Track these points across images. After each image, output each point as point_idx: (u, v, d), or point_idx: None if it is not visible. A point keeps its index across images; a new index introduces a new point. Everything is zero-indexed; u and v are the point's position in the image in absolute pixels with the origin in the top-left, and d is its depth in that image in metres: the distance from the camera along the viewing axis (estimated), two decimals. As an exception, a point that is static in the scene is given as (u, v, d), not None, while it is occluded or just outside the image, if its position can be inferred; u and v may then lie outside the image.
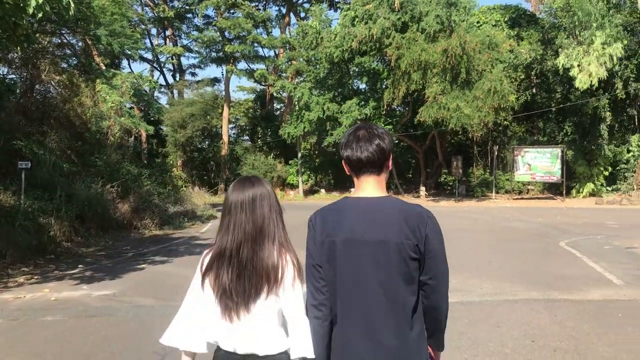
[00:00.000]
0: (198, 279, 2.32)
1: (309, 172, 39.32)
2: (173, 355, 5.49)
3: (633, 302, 7.41)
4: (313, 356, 2.17)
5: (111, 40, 18.18)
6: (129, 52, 25.21)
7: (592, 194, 29.33)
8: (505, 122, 30.61)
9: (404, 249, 2.11)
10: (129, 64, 40.19)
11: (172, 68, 44.81)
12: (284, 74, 40.07)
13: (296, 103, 35.26)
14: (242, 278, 2.22)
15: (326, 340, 2.19)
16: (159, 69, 44.19)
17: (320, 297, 2.19)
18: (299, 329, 2.20)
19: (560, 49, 27.20)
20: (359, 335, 2.15)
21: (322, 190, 36.52)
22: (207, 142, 43.18)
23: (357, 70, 33.72)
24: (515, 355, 5.35)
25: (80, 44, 19.83)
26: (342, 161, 2.29)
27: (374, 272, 2.13)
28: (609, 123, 29.36)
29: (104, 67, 22.08)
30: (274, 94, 42.74)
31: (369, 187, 2.23)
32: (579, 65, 25.72)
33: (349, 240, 2.16)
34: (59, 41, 18.63)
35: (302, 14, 41.64)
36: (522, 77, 31.12)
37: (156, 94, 43.07)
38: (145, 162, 31.15)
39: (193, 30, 42.34)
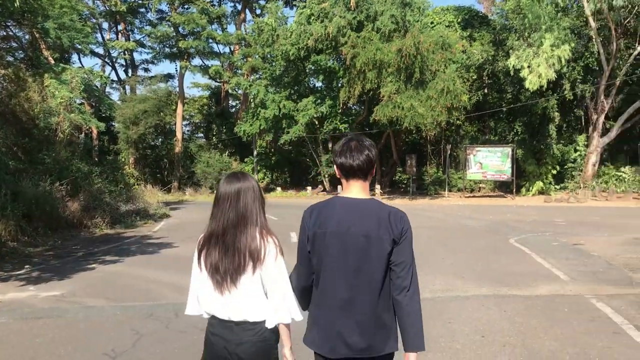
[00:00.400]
0: (195, 257, 2.77)
1: (265, 170, 39.19)
2: (124, 357, 5.39)
3: (578, 297, 7.65)
4: (289, 321, 2.64)
5: (60, 34, 17.66)
6: (79, 47, 24.56)
7: (541, 192, 30.15)
8: (458, 121, 31.16)
9: (382, 242, 2.56)
10: (79, 59, 39.23)
11: (124, 63, 43.89)
12: (239, 71, 39.76)
13: (252, 100, 35.03)
14: (227, 257, 2.64)
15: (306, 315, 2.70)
16: (110, 64, 43.20)
17: (302, 281, 2.72)
18: (278, 299, 2.62)
19: (511, 51, 27.83)
20: (338, 310, 2.59)
21: (278, 189, 36.41)
22: (160, 139, 42.43)
23: (313, 68, 33.75)
24: (465, 351, 5.45)
25: (27, 37, 19.17)
26: (335, 166, 2.76)
27: (356, 259, 2.57)
28: (557, 123, 30.23)
29: (52, 62, 21.44)
30: (229, 91, 42.38)
31: (356, 189, 2.69)
32: (529, 67, 26.37)
33: (335, 232, 2.60)
34: (4, 34, 17.95)
35: (258, 11, 41.44)
36: (474, 77, 31.75)
37: (108, 89, 42.14)
38: (96, 159, 30.44)
39: (146, 25, 41.56)
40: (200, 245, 2.76)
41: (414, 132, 32.23)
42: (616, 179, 29.27)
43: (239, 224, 2.66)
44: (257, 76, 37.76)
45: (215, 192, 2.81)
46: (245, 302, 2.63)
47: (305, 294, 2.74)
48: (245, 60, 38.25)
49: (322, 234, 2.61)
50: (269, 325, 2.62)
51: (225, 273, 2.64)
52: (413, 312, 2.60)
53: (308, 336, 2.71)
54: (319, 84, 35.38)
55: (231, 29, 42.24)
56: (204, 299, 2.73)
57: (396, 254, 2.59)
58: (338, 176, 2.78)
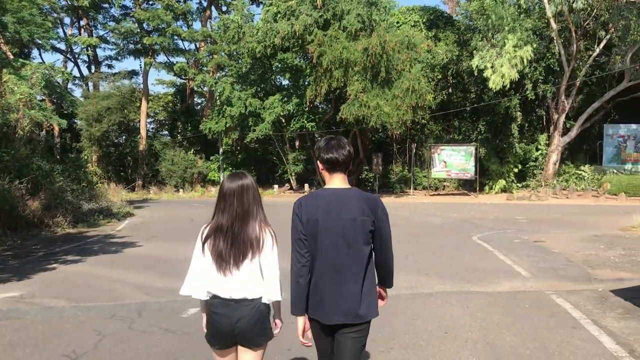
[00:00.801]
0: (199, 245, 3.22)
1: (230, 169, 38.88)
2: (85, 359, 5.29)
3: (539, 293, 7.81)
4: (280, 299, 3.17)
5: (19, 28, 17.17)
6: (40, 42, 23.90)
7: (504, 190, 30.70)
8: (423, 120, 31.49)
9: (365, 223, 3.10)
10: (39, 54, 38.67)
11: (87, 59, 43.03)
12: (205, 68, 39.39)
13: (217, 98, 34.76)
14: (234, 246, 3.15)
15: (306, 291, 3.14)
16: (73, 60, 42.32)
17: (303, 261, 3.11)
18: (272, 280, 3.13)
19: (475, 51, 28.24)
20: (330, 282, 3.10)
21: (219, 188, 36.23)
22: (124, 137, 41.77)
23: (279, 66, 33.67)
24: (429, 347, 5.51)
25: (-16, 31, 18.65)
26: (320, 162, 3.20)
27: (346, 239, 3.09)
28: (519, 122, 30.81)
29: (11, 57, 20.89)
30: (195, 88, 41.98)
31: (338, 181, 3.18)
32: (492, 67, 26.80)
33: (326, 218, 3.09)
34: (-40, 27, 17.44)
35: (224, 8, 41.11)
36: (439, 77, 32.13)
37: (70, 86, 41.30)
38: (58, 157, 29.81)
39: (109, 21, 40.85)
40: (205, 235, 3.21)
41: (380, 130, 32.46)
42: (576, 178, 29.98)
43: (244, 217, 3.17)
44: (223, 73, 37.50)
45: (219, 189, 3.29)
46: (245, 283, 3.13)
47: (304, 271, 3.12)
48: (210, 57, 37.93)
49: (314, 220, 3.09)
50: (265, 300, 3.15)
51: (229, 259, 3.13)
52: (389, 270, 3.35)
53: (310, 307, 3.17)
54: (285, 82, 35.32)
55: (197, 25, 41.85)
56: (208, 281, 3.17)
57: (377, 230, 3.15)
58: (321, 170, 3.25)
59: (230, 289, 3.13)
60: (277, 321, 3.31)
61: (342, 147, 3.15)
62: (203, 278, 3.18)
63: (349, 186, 3.20)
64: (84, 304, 7.48)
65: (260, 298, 3.15)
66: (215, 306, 3.16)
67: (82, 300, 7.72)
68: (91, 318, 6.73)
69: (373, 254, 3.23)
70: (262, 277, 3.15)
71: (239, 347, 3.23)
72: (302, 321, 3.19)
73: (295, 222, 3.15)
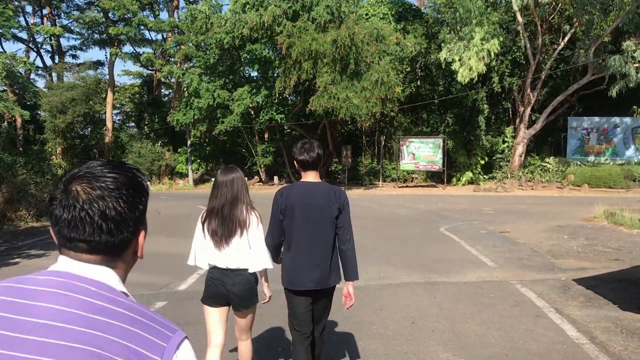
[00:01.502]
0: (199, 226, 3.90)
1: (199, 161, 38.55)
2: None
3: (504, 282, 7.94)
4: (271, 267, 3.88)
5: (-22, 16, 16.73)
6: (0, 31, 23.34)
7: (471, 182, 31.12)
8: (392, 113, 31.67)
9: (331, 210, 3.77)
10: (0, 44, 37.24)
11: (50, 49, 41.92)
12: (172, 59, 38.84)
13: (185, 89, 34.34)
14: (224, 225, 3.80)
15: (277, 254, 3.97)
16: (35, 50, 41.19)
17: (277, 240, 3.90)
18: (260, 252, 3.81)
19: (443, 44, 28.47)
20: (304, 260, 3.78)
21: (213, 180, 35.96)
22: (89, 129, 40.88)
23: (248, 57, 33.42)
24: (396, 337, 5.55)
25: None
26: (295, 162, 3.88)
27: (315, 223, 3.77)
28: (486, 115, 31.22)
29: (-30, 46, 20.28)
30: (162, 80, 41.38)
31: (311, 176, 3.85)
32: (460, 60, 27.07)
33: (300, 205, 3.76)
34: None
35: (192, -2, 40.53)
36: (408, 69, 32.31)
37: (33, 76, 40.18)
38: (21, 149, 29.13)
39: (73, 10, 39.81)
40: (204, 217, 3.88)
41: (349, 123, 32.49)
42: (541, 169, 30.55)
43: (233, 202, 3.82)
44: (191, 64, 37.02)
45: (214, 180, 3.99)
46: (236, 256, 3.80)
47: (277, 248, 3.93)
48: (178, 48, 37.37)
49: (291, 206, 3.77)
50: (251, 270, 3.82)
51: (222, 236, 3.79)
52: (352, 257, 3.87)
53: (284, 279, 3.87)
54: (254, 74, 35.09)
55: (164, 15, 41.16)
56: (207, 254, 3.86)
57: (341, 218, 3.81)
58: (297, 168, 3.92)
59: (225, 260, 3.82)
60: (265, 289, 4.09)
61: (312, 150, 3.81)
62: (204, 251, 3.88)
63: (319, 180, 3.92)
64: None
65: (249, 269, 3.84)
66: (213, 274, 3.88)
67: (45, 295, 7.56)
68: (54, 313, 6.59)
69: (337, 242, 3.87)
70: (251, 251, 3.82)
71: (234, 311, 3.93)
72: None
73: (274, 207, 3.87)
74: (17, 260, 10.32)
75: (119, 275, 1.16)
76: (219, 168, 4.08)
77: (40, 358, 0.97)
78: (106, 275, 1.13)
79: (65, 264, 1.15)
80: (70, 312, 1.02)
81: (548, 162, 30.84)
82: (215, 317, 3.93)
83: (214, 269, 3.88)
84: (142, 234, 1.22)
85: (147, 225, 1.25)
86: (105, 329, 1.01)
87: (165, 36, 39.97)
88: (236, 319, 3.97)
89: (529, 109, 30.21)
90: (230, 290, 3.81)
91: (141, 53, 38.72)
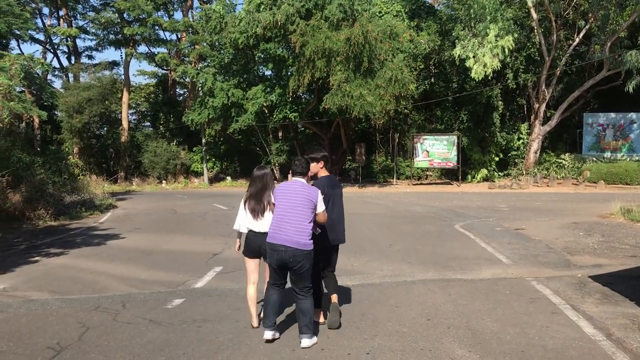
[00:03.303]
0: (242, 204, 5.93)
1: (214, 160, 38.77)
2: (69, 351, 5.30)
3: (519, 279, 7.94)
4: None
5: (-3, 19, 16.92)
6: (18, 32, 23.52)
7: (486, 179, 30.98)
8: (406, 110, 31.58)
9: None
10: (18, 45, 37.71)
11: (66, 50, 42.34)
12: (187, 59, 39.07)
13: (200, 89, 34.50)
14: (258, 204, 5.79)
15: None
16: (52, 51, 41.62)
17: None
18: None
19: (456, 41, 28.34)
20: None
21: (228, 178, 36.12)
22: (105, 129, 41.32)
23: (262, 56, 33.52)
24: (412, 334, 5.59)
25: (-40, 21, 18.30)
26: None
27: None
28: (501, 112, 31.03)
29: (-11, 48, 20.55)
30: (177, 79, 41.63)
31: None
32: (474, 57, 26.93)
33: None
34: (-63, 18, 17.11)
35: (205, -2, 40.72)
36: (422, 66, 32.21)
37: (50, 77, 40.64)
38: (39, 149, 29.41)
39: (89, 11, 40.27)
40: (246, 198, 5.89)
41: (363, 120, 32.54)
42: (556, 166, 30.33)
43: (263, 189, 5.81)
44: (205, 64, 37.20)
45: (252, 174, 5.96)
46: (266, 223, 5.65)
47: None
48: (192, 47, 37.60)
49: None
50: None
51: (256, 211, 5.77)
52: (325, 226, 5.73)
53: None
54: (268, 72, 35.16)
55: (178, 15, 41.48)
56: (247, 223, 5.83)
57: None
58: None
59: (259, 226, 5.75)
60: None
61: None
62: (244, 220, 5.87)
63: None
64: (68, 296, 7.46)
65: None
66: (250, 235, 5.83)
67: (66, 293, 7.70)
68: (75, 310, 6.72)
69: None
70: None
71: (263, 260, 5.76)
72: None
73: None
74: (36, 258, 10.49)
75: (305, 181, 5.57)
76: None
77: (294, 196, 5.37)
78: (302, 181, 5.53)
79: (296, 178, 5.53)
80: (298, 186, 5.45)
81: (563, 159, 30.61)
82: (252, 265, 5.93)
83: (250, 232, 5.82)
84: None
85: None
86: (304, 190, 5.40)
87: (179, 36, 40.23)
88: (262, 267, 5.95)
89: (543, 105, 30.02)
90: (261, 246, 5.63)
91: (156, 53, 38.97)
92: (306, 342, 5.27)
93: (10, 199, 15.99)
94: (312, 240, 5.35)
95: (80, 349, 5.36)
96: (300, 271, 5.31)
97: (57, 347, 5.42)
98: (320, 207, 5.44)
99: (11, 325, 6.20)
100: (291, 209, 5.33)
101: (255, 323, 5.88)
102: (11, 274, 9.10)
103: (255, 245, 5.73)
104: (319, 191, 5.48)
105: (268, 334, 5.41)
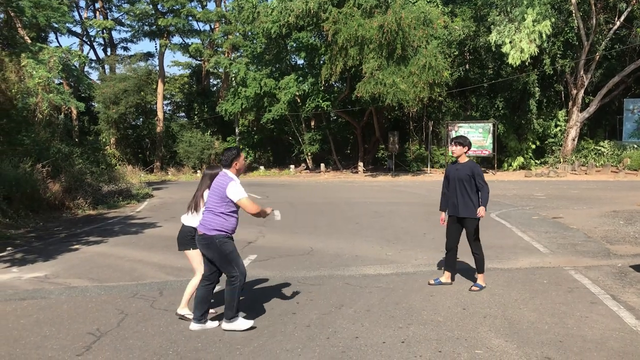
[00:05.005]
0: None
1: (247, 149, 39.03)
2: (109, 336, 5.42)
3: (557, 269, 7.80)
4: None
5: (36, 13, 17.25)
6: (56, 26, 24.00)
7: (522, 167, 30.47)
8: (440, 97, 31.19)
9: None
10: (56, 38, 39.14)
11: (102, 42, 43.11)
12: (220, 49, 39.32)
13: (233, 79, 34.69)
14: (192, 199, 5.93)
15: None
16: (88, 43, 42.43)
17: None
18: None
19: (492, 26, 27.83)
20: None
21: (262, 167, 36.34)
22: (141, 119, 41.98)
23: (294, 45, 33.50)
24: (447, 323, 5.55)
25: (2, 15, 18.77)
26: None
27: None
28: (537, 98, 30.40)
29: (29, 41, 21.00)
30: (210, 70, 41.98)
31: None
32: (510, 42, 26.41)
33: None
34: (-22, 13, 17.59)
35: (238, -12, 40.82)
36: (456, 53, 31.73)
37: (86, 69, 41.46)
38: (77, 140, 30.08)
39: (124, 3, 40.79)
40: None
41: (396, 108, 32.25)
42: (595, 153, 29.64)
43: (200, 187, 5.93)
44: (238, 54, 37.39)
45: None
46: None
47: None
48: (225, 38, 37.82)
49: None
50: None
51: (190, 207, 5.95)
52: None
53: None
54: (300, 62, 35.15)
55: (211, 6, 41.78)
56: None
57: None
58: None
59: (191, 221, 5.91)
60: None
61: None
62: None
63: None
64: (107, 284, 7.62)
65: None
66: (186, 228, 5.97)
67: (105, 280, 7.86)
68: (114, 297, 6.87)
69: None
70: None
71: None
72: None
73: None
74: (76, 246, 10.74)
75: (230, 171, 5.58)
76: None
77: (214, 185, 5.54)
78: (225, 171, 5.53)
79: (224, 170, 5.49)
80: (219, 176, 5.54)
81: (602, 146, 29.88)
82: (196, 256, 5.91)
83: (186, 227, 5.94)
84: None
85: None
86: (219, 179, 5.45)
87: (212, 26, 40.48)
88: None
89: (582, 91, 29.30)
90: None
91: (190, 44, 39.35)
92: (195, 326, 5.57)
93: (51, 188, 16.37)
94: (221, 230, 5.40)
95: (119, 334, 5.48)
96: (212, 259, 5.53)
97: (97, 333, 5.54)
98: (235, 196, 5.35)
99: (53, 311, 6.36)
100: (209, 197, 5.54)
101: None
102: (53, 261, 9.34)
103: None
104: (232, 181, 5.37)
105: (195, 326, 5.57)
